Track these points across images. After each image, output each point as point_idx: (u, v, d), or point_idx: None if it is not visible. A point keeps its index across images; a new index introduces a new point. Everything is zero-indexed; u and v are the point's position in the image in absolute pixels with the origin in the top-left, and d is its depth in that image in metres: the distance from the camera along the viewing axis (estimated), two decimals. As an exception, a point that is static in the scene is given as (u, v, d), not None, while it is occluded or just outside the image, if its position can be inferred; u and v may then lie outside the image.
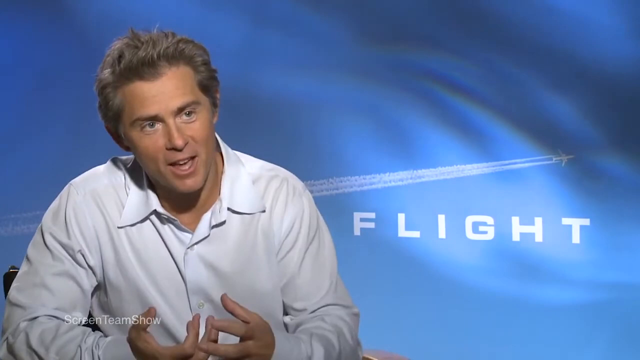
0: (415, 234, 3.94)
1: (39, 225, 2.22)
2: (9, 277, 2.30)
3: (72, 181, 2.24)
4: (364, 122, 3.97)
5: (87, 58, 4.00)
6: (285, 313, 2.26)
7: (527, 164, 3.88)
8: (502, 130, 3.91)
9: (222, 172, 2.21)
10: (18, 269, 2.29)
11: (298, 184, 2.28)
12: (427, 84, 3.94)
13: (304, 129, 3.99)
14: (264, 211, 2.22)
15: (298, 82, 3.98)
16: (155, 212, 2.17)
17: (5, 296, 2.26)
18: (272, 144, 3.84)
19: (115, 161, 2.25)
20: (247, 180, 2.21)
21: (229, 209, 2.19)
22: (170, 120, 2.08)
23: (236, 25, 3.91)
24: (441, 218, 3.92)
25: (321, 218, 2.30)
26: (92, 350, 2.08)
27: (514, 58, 3.85)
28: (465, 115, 3.91)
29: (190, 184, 2.11)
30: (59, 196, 2.23)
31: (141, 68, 2.07)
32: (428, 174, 3.94)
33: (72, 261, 2.16)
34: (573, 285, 3.84)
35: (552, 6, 3.79)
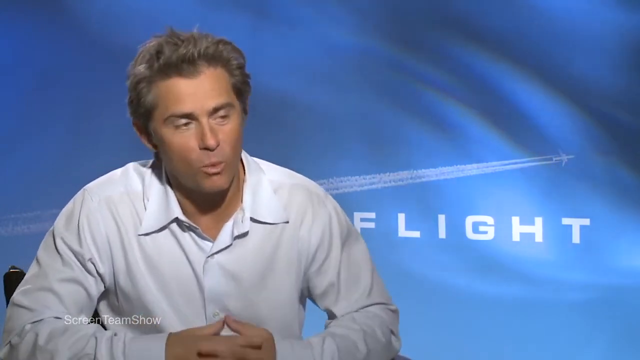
0: (415, 234, 3.94)
1: (51, 228, 2.20)
2: (9, 277, 2.30)
3: (87, 186, 2.20)
4: (364, 121, 3.97)
5: (87, 58, 4.03)
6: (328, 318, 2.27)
7: (527, 164, 3.88)
8: (501, 130, 3.91)
9: (243, 181, 2.19)
10: (18, 269, 2.28)
11: (319, 190, 2.27)
12: (427, 86, 3.94)
13: (304, 129, 3.99)
14: (287, 222, 2.21)
15: (298, 82, 3.98)
16: (176, 219, 2.16)
17: (6, 296, 2.25)
18: (272, 144, 3.84)
19: (132, 167, 2.22)
20: (268, 189, 2.20)
21: (251, 218, 2.18)
22: (204, 120, 2.06)
23: (237, 24, 3.91)
24: (441, 218, 3.92)
25: (348, 219, 2.30)
26: (112, 338, 2.07)
27: (512, 61, 3.86)
28: (464, 116, 3.91)
29: (218, 182, 2.09)
30: (72, 200, 2.20)
31: (181, 65, 2.05)
32: (428, 174, 3.94)
33: (82, 268, 2.15)
34: (572, 285, 3.84)
35: (550, 11, 3.80)
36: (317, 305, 2.27)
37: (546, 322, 3.85)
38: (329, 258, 2.23)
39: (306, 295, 2.28)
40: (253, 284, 2.18)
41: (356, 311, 2.22)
